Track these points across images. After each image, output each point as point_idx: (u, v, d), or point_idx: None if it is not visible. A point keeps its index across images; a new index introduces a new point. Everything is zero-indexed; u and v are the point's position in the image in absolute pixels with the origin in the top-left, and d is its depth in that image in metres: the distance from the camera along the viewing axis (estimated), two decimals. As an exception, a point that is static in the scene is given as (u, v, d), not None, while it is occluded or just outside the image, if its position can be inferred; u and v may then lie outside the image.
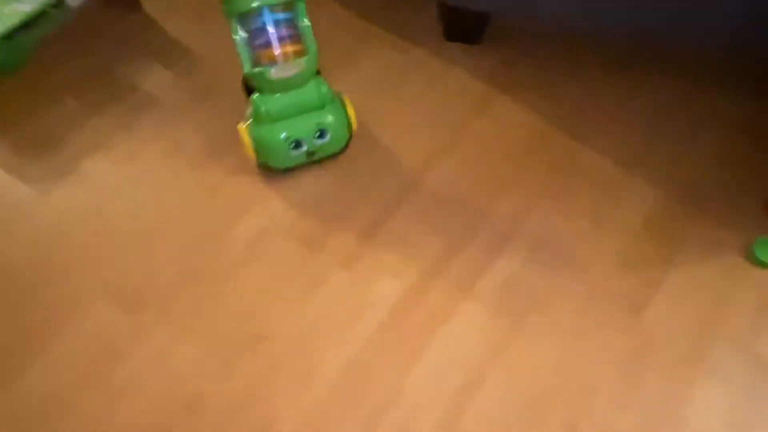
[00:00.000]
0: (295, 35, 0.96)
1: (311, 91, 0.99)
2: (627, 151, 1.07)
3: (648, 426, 0.83)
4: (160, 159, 1.11)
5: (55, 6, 1.15)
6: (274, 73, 0.95)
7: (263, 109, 0.98)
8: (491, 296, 0.94)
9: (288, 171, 1.06)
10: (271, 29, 0.94)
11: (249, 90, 1.02)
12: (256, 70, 0.96)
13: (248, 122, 1.01)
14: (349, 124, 1.03)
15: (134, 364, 0.90)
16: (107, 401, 0.87)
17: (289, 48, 0.96)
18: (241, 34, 0.94)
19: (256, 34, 0.94)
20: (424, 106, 1.16)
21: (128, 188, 1.08)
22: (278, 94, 0.98)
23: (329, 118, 1.00)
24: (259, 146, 1.00)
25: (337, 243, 1.00)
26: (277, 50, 0.95)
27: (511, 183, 1.05)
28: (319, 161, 1.07)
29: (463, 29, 1.22)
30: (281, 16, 0.94)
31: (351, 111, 1.02)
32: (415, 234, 1.01)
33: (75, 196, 1.07)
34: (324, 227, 1.02)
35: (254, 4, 0.91)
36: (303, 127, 0.99)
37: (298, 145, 1.00)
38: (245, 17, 0.94)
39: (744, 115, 1.11)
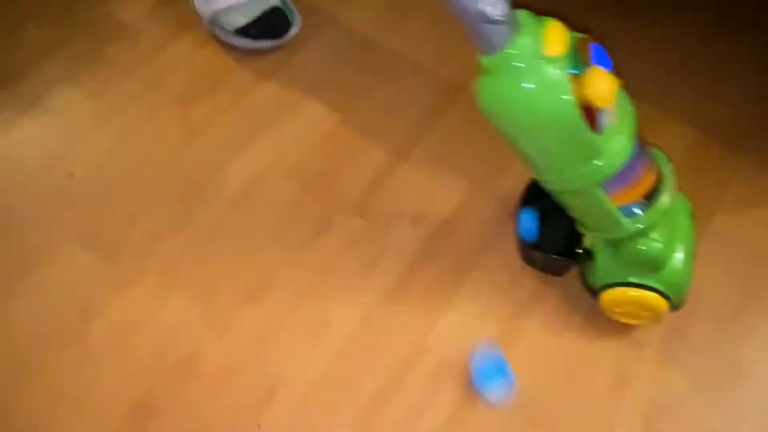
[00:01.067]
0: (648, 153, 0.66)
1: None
2: (654, 89, 0.98)
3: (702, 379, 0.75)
4: (139, 93, 0.97)
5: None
6: (666, 198, 0.66)
7: (664, 249, 0.68)
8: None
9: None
10: (639, 154, 0.62)
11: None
12: (644, 211, 0.65)
13: (645, 286, 0.70)
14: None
15: (114, 318, 0.78)
16: (82, 362, 0.75)
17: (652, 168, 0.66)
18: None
19: (620, 179, 0.62)
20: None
21: (102, 124, 0.94)
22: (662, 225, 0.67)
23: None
24: (674, 291, 0.71)
25: (348, 186, 0.89)
26: (652, 170, 0.65)
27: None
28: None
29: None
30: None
31: None
32: (432, 176, 0.90)
33: (41, 131, 0.93)
34: (333, 168, 0.91)
35: (625, 154, 0.60)
36: (689, 233, 0.72)
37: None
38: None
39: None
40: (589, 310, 0.78)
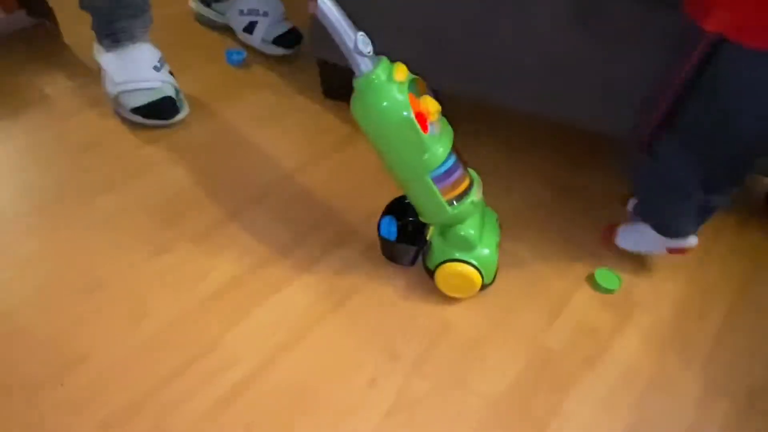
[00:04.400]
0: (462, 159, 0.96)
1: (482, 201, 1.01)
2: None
3: (437, 394, 0.92)
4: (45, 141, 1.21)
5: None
6: (475, 194, 0.97)
7: (476, 235, 0.98)
8: (324, 277, 1.04)
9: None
10: (457, 164, 0.93)
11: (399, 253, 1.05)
12: (460, 203, 0.94)
13: (456, 258, 0.98)
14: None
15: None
16: None
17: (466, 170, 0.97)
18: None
19: (444, 177, 0.92)
20: (298, 133, 1.32)
21: None
22: (471, 217, 0.98)
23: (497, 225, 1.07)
24: (486, 269, 1.01)
25: (193, 223, 1.10)
26: (467, 177, 0.96)
27: (362, 194, 1.19)
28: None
29: (339, 86, 1.42)
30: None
31: None
32: (267, 225, 1.12)
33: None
34: (183, 209, 1.12)
35: (444, 155, 0.90)
36: (495, 225, 1.06)
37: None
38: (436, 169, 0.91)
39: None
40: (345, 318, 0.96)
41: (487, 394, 0.92)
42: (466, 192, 0.95)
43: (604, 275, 1.10)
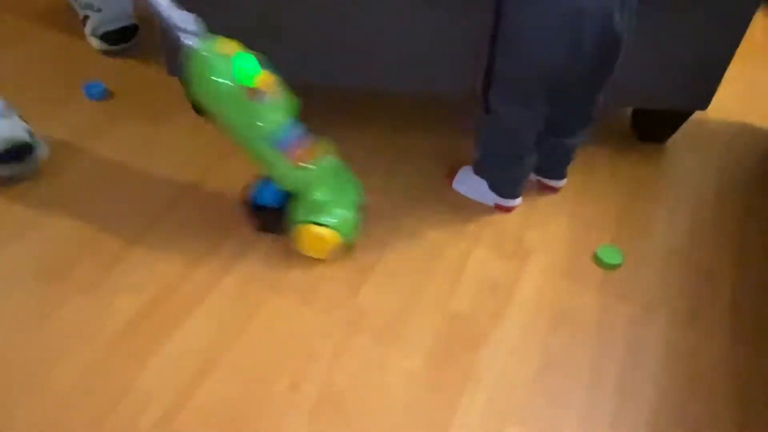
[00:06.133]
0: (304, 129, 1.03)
1: (332, 160, 1.08)
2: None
3: (359, 381, 0.95)
4: None
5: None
6: (325, 160, 1.06)
7: (326, 198, 1.05)
8: (230, 294, 1.04)
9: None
10: (300, 132, 1.02)
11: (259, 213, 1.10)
12: (306, 167, 1.03)
13: (310, 221, 1.05)
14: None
15: None
16: None
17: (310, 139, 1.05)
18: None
19: (286, 143, 1.00)
20: (174, 159, 1.30)
21: None
22: (324, 181, 1.06)
23: (347, 171, 1.12)
24: (343, 229, 1.07)
25: (79, 274, 1.06)
26: (309, 142, 1.04)
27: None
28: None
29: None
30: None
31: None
32: (158, 255, 1.10)
33: None
34: (67, 263, 1.08)
35: (281, 122, 0.98)
36: (352, 187, 1.11)
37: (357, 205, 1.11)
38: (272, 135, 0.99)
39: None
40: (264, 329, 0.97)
41: (405, 371, 0.96)
42: (312, 157, 1.03)
43: (607, 252, 1.13)
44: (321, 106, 1.35)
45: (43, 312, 1.01)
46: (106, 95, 1.43)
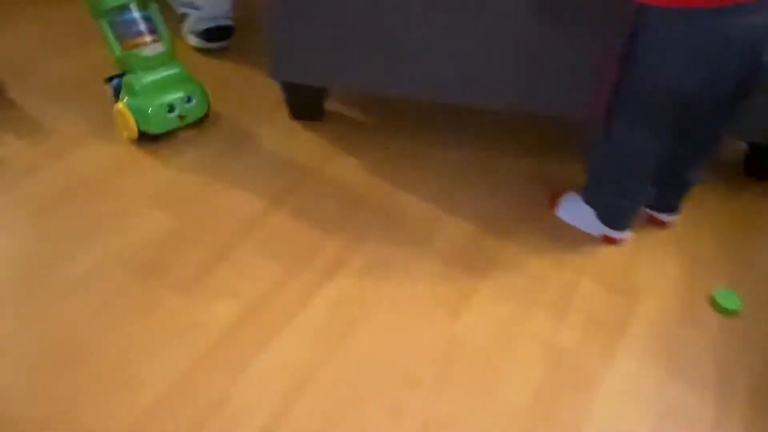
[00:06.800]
0: (152, 27, 1.25)
1: (174, 68, 1.27)
2: (439, 196, 1.22)
3: (465, 413, 0.89)
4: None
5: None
6: (147, 51, 1.23)
7: (138, 85, 1.22)
8: (325, 307, 1.01)
9: (163, 136, 1.28)
10: (140, 21, 1.23)
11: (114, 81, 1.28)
12: (130, 52, 1.22)
13: (124, 100, 1.23)
14: (206, 94, 1.31)
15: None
16: None
17: (152, 35, 1.24)
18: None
19: (125, 26, 1.22)
20: (271, 162, 1.28)
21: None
22: (147, 73, 1.24)
23: (192, 87, 1.29)
24: (139, 116, 1.22)
25: (177, 272, 1.04)
26: (147, 37, 1.23)
27: (344, 220, 1.16)
28: (188, 126, 1.31)
29: (305, 106, 1.38)
30: (143, 13, 1.24)
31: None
32: (255, 262, 1.07)
33: None
34: (165, 259, 1.06)
35: (121, 2, 1.20)
36: (174, 94, 1.26)
37: (171, 109, 1.25)
38: (113, 14, 1.21)
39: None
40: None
41: (515, 407, 0.89)
42: (139, 46, 1.22)
43: (725, 296, 1.05)
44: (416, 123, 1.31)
45: (138, 310, 0.99)
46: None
